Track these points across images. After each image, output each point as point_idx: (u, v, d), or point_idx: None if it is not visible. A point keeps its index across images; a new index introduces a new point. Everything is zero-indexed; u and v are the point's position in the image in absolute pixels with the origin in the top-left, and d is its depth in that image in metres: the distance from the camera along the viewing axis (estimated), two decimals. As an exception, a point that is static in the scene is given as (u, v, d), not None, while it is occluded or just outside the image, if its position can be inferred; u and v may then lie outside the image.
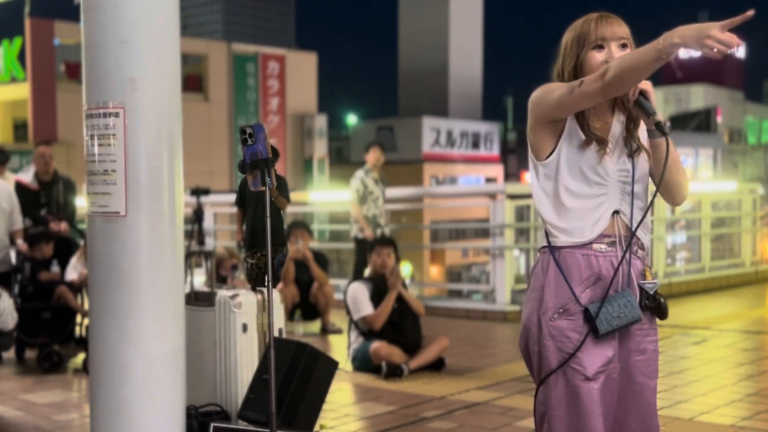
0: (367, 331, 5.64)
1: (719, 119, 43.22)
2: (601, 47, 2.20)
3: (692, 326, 7.42)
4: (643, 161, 2.26)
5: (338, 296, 8.19)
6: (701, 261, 10.56)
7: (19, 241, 6.14)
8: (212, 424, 3.64)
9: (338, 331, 7.18)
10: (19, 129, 25.01)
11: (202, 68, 26.40)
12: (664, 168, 2.14)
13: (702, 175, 35.94)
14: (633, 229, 2.21)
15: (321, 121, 28.71)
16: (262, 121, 23.86)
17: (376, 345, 5.46)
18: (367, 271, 6.12)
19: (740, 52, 59.13)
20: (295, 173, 27.80)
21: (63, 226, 6.62)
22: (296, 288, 7.28)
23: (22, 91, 23.14)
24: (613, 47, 2.19)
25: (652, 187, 2.29)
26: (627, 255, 2.20)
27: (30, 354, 6.18)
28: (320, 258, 7.54)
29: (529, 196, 8.34)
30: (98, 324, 3.23)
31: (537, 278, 2.27)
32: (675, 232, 11.49)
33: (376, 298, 5.62)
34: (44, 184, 6.72)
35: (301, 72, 28.47)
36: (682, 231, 11.64)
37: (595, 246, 2.21)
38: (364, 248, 7.43)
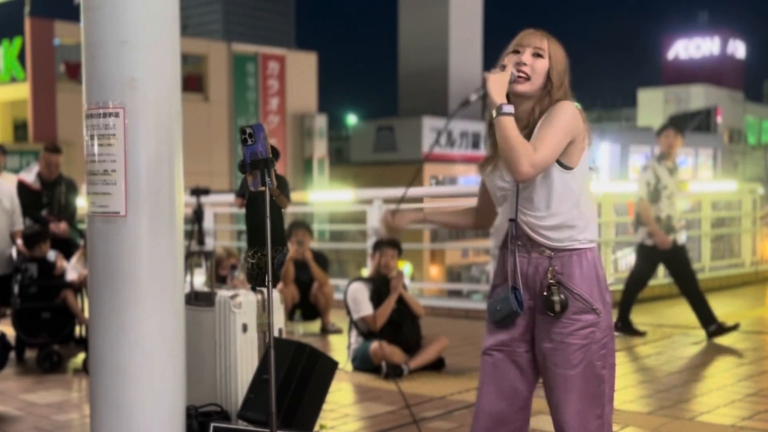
0: (366, 331, 5.64)
1: (719, 119, 43.23)
2: (517, 51, 2.49)
3: (692, 326, 7.42)
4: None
5: (338, 296, 8.19)
6: (701, 261, 10.56)
7: (19, 242, 6.14)
8: (212, 424, 3.64)
9: (338, 332, 7.18)
10: (19, 129, 25.02)
11: (202, 68, 26.40)
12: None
13: (702, 175, 35.96)
14: (525, 233, 2.48)
15: (321, 121, 28.72)
16: (262, 121, 23.86)
17: (376, 345, 5.46)
18: (366, 272, 6.12)
19: (740, 52, 59.19)
20: (295, 173, 27.80)
21: (62, 226, 6.61)
22: (296, 288, 7.28)
23: (22, 91, 23.15)
24: (526, 52, 2.47)
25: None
26: (515, 255, 2.49)
27: (30, 354, 6.18)
28: (320, 258, 7.54)
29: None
30: (98, 324, 3.23)
31: None
32: (675, 232, 11.47)
33: (376, 298, 5.62)
34: (47, 184, 6.71)
35: (301, 72, 28.47)
36: (682, 231, 11.64)
37: (508, 247, 2.53)
38: (653, 258, 6.79)
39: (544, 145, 2.36)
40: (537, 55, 2.46)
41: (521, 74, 2.45)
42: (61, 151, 6.80)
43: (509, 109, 2.36)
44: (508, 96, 2.42)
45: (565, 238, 2.44)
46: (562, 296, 2.42)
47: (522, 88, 2.45)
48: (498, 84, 2.41)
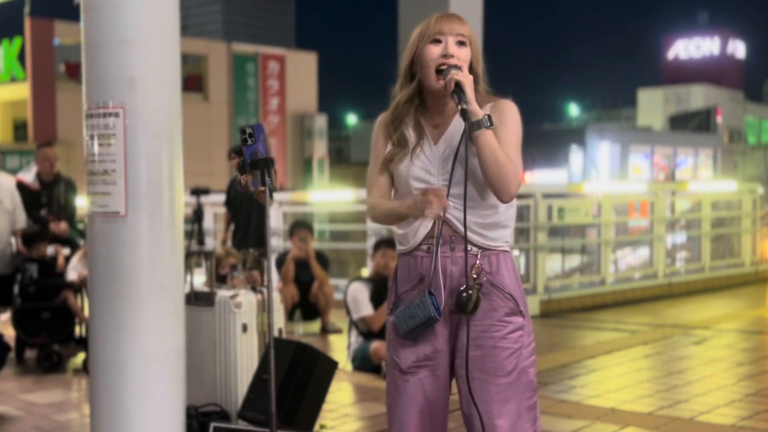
0: (366, 331, 5.64)
1: (719, 119, 43.19)
2: (438, 41, 2.23)
3: (692, 326, 7.42)
4: (472, 161, 2.22)
5: (338, 296, 8.18)
6: (701, 261, 10.56)
7: (19, 241, 6.14)
8: (212, 424, 3.65)
9: (338, 331, 7.18)
10: (19, 129, 25.03)
11: (202, 68, 26.41)
12: (466, 163, 2.16)
13: (702, 175, 35.94)
14: (452, 229, 2.25)
15: (321, 121, 28.72)
16: (262, 121, 23.86)
17: (376, 345, 5.46)
18: (366, 272, 6.12)
19: (740, 52, 59.19)
20: (295, 173, 27.81)
21: (63, 226, 6.61)
22: (296, 288, 7.28)
23: (22, 91, 23.16)
24: (450, 41, 2.23)
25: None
26: (436, 254, 2.25)
27: (30, 354, 6.18)
28: (321, 258, 7.54)
29: (529, 196, 8.37)
30: (98, 324, 3.23)
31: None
32: (675, 232, 11.49)
33: (376, 298, 5.62)
34: (46, 184, 6.71)
35: (301, 72, 28.48)
36: (682, 231, 11.64)
37: (422, 247, 2.28)
38: None
39: (518, 153, 2.21)
40: (460, 43, 2.24)
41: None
42: (53, 144, 6.84)
43: (490, 121, 2.15)
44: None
45: (500, 238, 2.27)
46: (473, 294, 2.20)
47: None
48: (472, 89, 2.18)
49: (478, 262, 2.24)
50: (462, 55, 2.23)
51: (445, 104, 2.28)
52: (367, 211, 2.45)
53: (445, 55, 2.22)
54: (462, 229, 2.21)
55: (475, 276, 2.23)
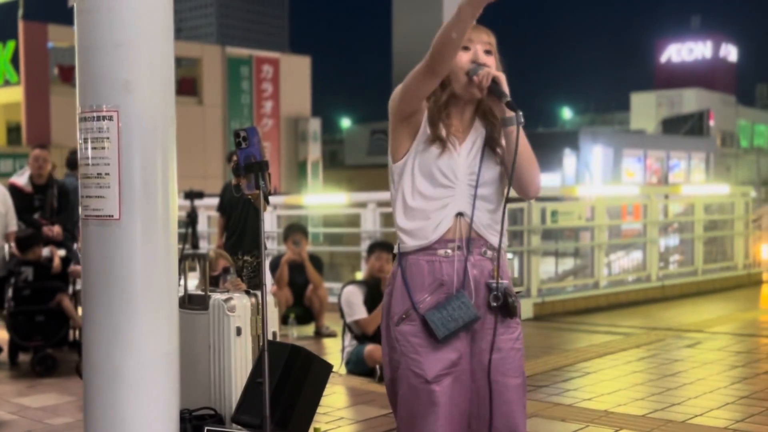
0: (360, 334, 5.64)
1: (712, 123, 43.34)
2: (467, 48, 2.30)
3: (685, 329, 7.45)
4: (494, 165, 2.30)
5: (332, 299, 8.18)
6: (694, 264, 10.59)
7: (12, 244, 6.12)
8: (206, 428, 3.64)
9: (332, 335, 7.18)
10: (13, 132, 24.97)
11: (196, 71, 26.39)
12: (515, 157, 2.19)
13: (695, 178, 36.05)
14: (474, 230, 2.25)
15: (315, 125, 28.72)
16: (256, 125, 23.84)
17: (370, 348, 5.46)
18: (360, 275, 6.12)
19: (732, 56, 59.41)
20: (289, 176, 27.80)
21: (56, 229, 6.60)
22: (290, 291, 7.28)
23: (16, 94, 23.10)
24: (478, 48, 2.31)
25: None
26: (465, 257, 2.24)
27: (24, 357, 6.17)
28: (315, 261, 7.54)
29: (522, 199, 8.37)
30: (92, 327, 3.23)
31: (389, 284, 2.36)
32: (668, 235, 11.52)
33: (370, 302, 5.62)
34: (38, 187, 6.70)
35: (295, 75, 28.47)
36: (675, 234, 11.67)
37: (440, 252, 2.25)
38: None
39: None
40: (487, 51, 2.33)
41: None
42: (47, 147, 6.81)
43: (523, 119, 2.24)
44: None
45: (505, 243, 2.33)
46: (511, 299, 2.26)
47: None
48: (506, 84, 2.26)
49: (493, 264, 2.28)
50: (489, 63, 2.32)
51: (467, 113, 2.33)
52: (429, 56, 2.21)
53: (474, 61, 2.30)
54: (483, 231, 2.26)
55: (497, 280, 2.26)
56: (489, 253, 2.28)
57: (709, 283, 10.42)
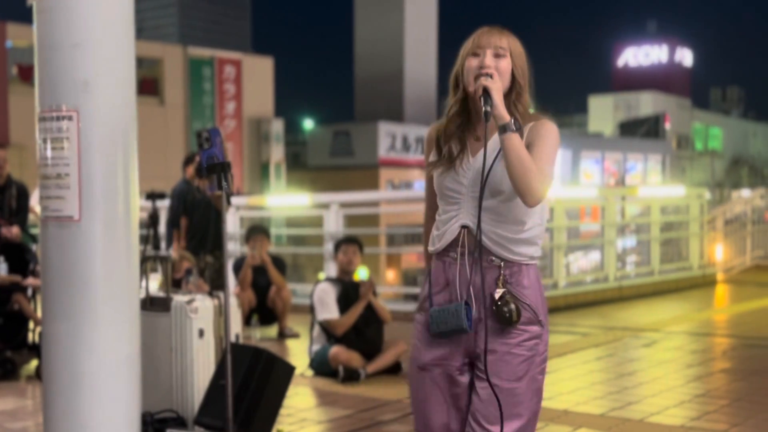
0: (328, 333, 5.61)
1: (667, 126, 44.10)
2: (476, 54, 2.33)
3: (642, 329, 7.57)
4: (501, 174, 2.30)
5: (296, 301, 8.16)
6: (651, 264, 10.77)
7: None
8: (168, 431, 3.62)
9: (295, 336, 7.16)
10: (-32, 132, 24.41)
11: (158, 72, 26.08)
12: (484, 163, 2.26)
13: (651, 180, 36.65)
14: (478, 239, 2.32)
15: (278, 126, 28.58)
16: (218, 126, 23.66)
17: (336, 350, 5.46)
18: (323, 275, 6.11)
19: (687, 60, 60.52)
20: (252, 178, 27.63)
21: (14, 230, 6.49)
22: (253, 292, 7.25)
23: (-28, 93, 22.61)
24: (487, 54, 2.32)
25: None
26: (471, 263, 2.33)
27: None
28: (278, 262, 7.52)
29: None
30: (52, 329, 3.20)
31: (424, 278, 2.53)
32: (625, 236, 11.70)
33: (343, 301, 5.59)
34: (-4, 188, 6.57)
35: (257, 76, 28.31)
36: (632, 235, 11.86)
37: (451, 254, 2.38)
38: None
39: (550, 167, 2.28)
40: (498, 55, 2.32)
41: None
42: (6, 147, 6.68)
43: (516, 125, 2.23)
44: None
45: (524, 253, 2.35)
46: (514, 306, 2.30)
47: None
48: (500, 94, 2.26)
49: (501, 272, 2.32)
50: (500, 66, 2.31)
51: (481, 124, 2.32)
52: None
53: (481, 67, 2.30)
54: (488, 243, 2.31)
55: (501, 286, 2.31)
56: (496, 260, 2.34)
57: (665, 283, 10.60)
